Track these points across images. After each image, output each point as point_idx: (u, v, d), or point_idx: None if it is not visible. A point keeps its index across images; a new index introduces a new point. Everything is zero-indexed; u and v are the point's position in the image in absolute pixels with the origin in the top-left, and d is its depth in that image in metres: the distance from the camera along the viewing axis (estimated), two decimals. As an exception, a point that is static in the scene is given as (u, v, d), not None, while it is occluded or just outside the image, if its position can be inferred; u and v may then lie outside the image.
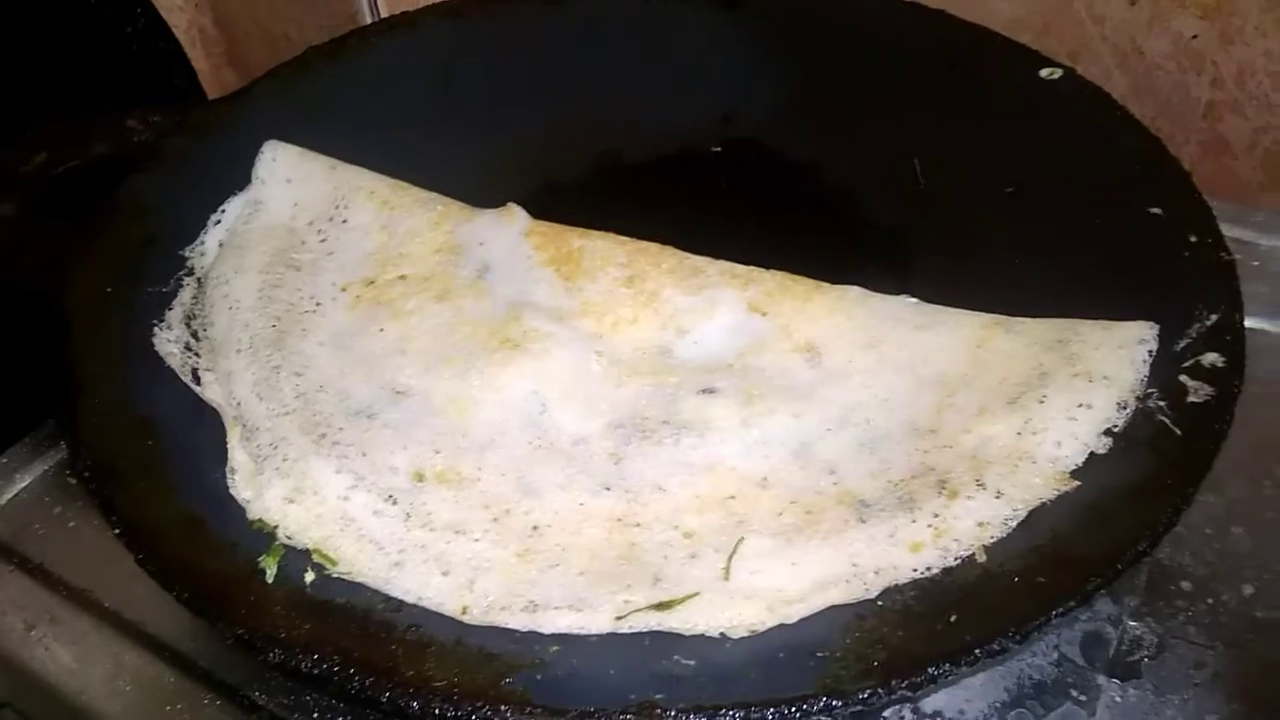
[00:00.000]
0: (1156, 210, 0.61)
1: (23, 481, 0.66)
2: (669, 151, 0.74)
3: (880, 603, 0.46)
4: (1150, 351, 0.53)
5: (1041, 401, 0.53)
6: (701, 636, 0.46)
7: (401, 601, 0.48)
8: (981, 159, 0.68)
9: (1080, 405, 0.52)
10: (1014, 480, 0.50)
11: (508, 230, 0.65)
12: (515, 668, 0.45)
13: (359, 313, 0.62)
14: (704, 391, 0.56)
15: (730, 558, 0.49)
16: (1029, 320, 0.57)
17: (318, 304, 0.62)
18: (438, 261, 0.64)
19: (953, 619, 0.44)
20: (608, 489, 0.53)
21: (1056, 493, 0.49)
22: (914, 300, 0.59)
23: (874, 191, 0.70)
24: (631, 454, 0.54)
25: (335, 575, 0.49)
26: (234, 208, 0.67)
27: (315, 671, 0.44)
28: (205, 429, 0.56)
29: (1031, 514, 0.49)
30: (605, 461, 0.54)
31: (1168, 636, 0.53)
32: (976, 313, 0.58)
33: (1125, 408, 0.52)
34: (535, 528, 0.51)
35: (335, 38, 0.81)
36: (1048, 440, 0.51)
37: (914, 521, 0.49)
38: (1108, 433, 0.51)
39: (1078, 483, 0.50)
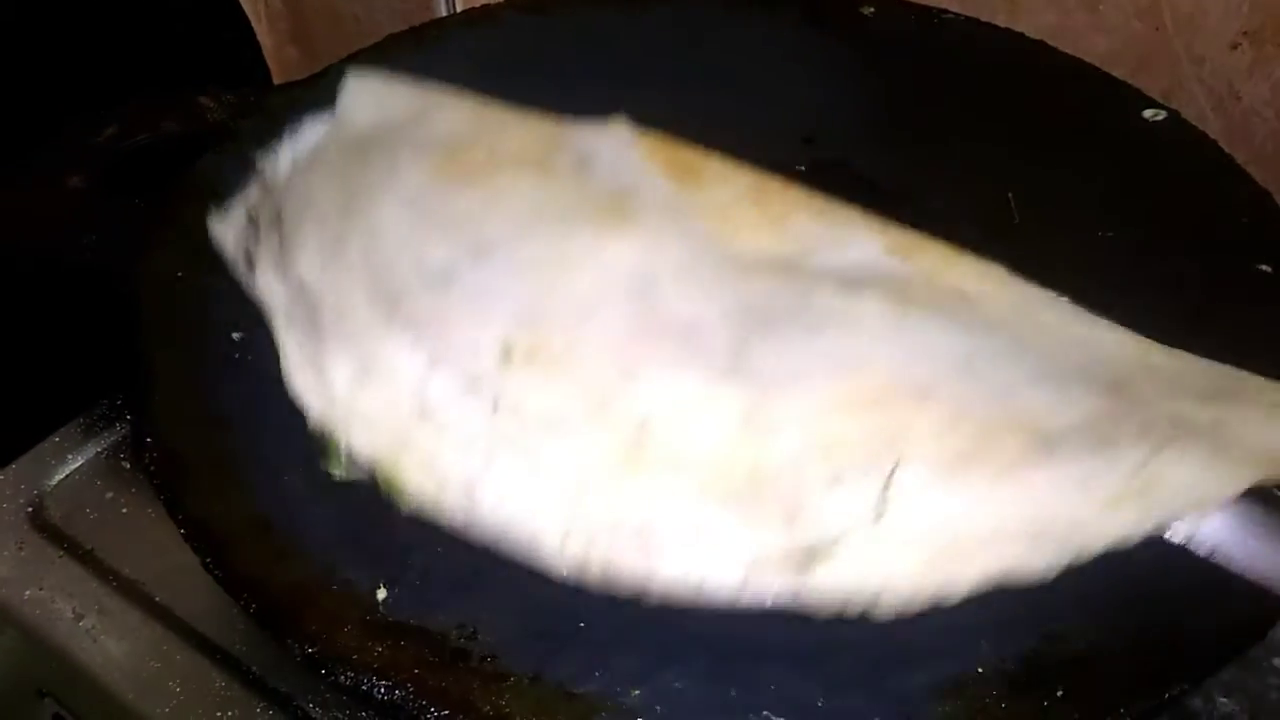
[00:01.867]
0: (1265, 268, 0.59)
1: (75, 463, 0.64)
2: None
3: (980, 670, 0.44)
4: None
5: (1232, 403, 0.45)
6: (794, 695, 0.43)
7: (476, 628, 0.45)
8: (1078, 198, 0.66)
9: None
10: (1225, 456, 0.42)
11: (615, 135, 0.58)
12: (597, 709, 0.43)
13: (441, 178, 0.54)
14: (847, 285, 0.47)
15: (886, 489, 0.41)
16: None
17: (394, 170, 0.55)
18: (534, 143, 0.56)
19: (1060, 693, 0.42)
20: (728, 378, 0.44)
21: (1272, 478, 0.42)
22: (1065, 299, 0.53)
23: (966, 223, 0.67)
24: (757, 342, 0.45)
25: (404, 511, 0.46)
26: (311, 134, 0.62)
27: (388, 698, 0.43)
28: (277, 426, 0.53)
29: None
30: (725, 347, 0.45)
31: (1260, 715, 0.51)
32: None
33: None
34: (642, 422, 0.43)
35: (414, 27, 0.79)
36: (1249, 433, 0.43)
37: (1112, 469, 0.40)
38: None
39: None
